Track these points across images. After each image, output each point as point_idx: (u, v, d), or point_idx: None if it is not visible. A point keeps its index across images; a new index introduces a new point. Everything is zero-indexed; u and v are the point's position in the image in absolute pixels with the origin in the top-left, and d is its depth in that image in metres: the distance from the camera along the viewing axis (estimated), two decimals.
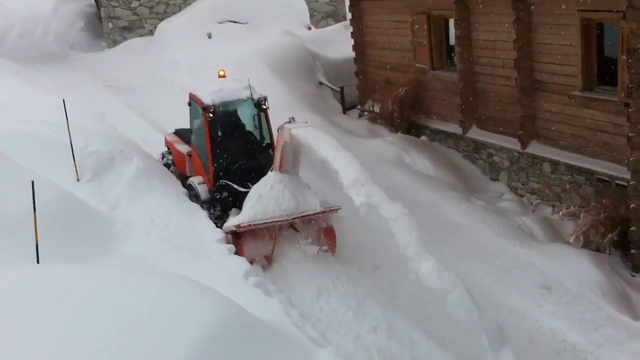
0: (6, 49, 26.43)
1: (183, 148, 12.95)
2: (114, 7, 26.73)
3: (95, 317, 6.29)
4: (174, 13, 26.61)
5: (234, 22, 24.65)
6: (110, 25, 26.89)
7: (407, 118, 16.97)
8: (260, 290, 9.39)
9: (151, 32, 26.37)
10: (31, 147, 11.89)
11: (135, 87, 20.29)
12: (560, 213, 12.31)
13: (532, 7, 13.11)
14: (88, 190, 11.47)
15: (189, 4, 26.30)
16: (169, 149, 13.78)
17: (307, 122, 10.36)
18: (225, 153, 11.54)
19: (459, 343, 8.80)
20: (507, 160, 14.51)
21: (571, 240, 11.59)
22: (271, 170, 10.68)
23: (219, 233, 10.93)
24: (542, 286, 10.44)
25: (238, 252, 10.39)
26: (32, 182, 8.38)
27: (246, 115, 12.05)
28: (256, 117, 11.74)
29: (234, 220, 10.50)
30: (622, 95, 11.36)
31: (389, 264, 10.47)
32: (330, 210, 10.58)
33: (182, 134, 13.50)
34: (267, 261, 10.48)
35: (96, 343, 5.98)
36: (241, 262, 10.08)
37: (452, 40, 15.70)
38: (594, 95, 12.39)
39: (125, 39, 26.72)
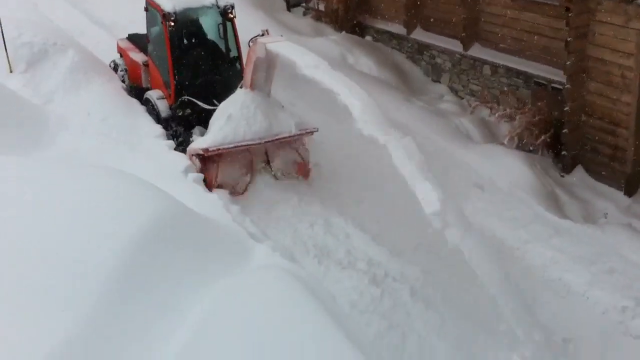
0: None
1: (138, 57, 11.92)
2: None
3: (28, 210, 6.11)
4: None
5: None
6: None
7: (351, 17, 16.76)
8: (200, 187, 9.37)
9: None
10: None
11: None
12: (497, 115, 12.53)
13: None
14: (22, 82, 11.12)
15: None
16: (121, 55, 12.66)
17: (282, 36, 9.72)
18: (188, 66, 10.70)
19: (391, 238, 9.10)
20: (449, 62, 14.57)
21: (506, 142, 11.87)
22: (240, 87, 9.88)
23: (158, 129, 10.77)
24: (475, 185, 10.75)
25: (206, 177, 9.68)
26: None
27: (210, 25, 11.13)
28: (221, 26, 10.98)
29: (200, 142, 9.67)
30: None
31: (328, 162, 10.63)
32: (307, 132, 9.93)
33: (136, 41, 12.37)
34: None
35: (29, 238, 5.79)
36: (181, 158, 9.94)
37: None
38: None
39: None
